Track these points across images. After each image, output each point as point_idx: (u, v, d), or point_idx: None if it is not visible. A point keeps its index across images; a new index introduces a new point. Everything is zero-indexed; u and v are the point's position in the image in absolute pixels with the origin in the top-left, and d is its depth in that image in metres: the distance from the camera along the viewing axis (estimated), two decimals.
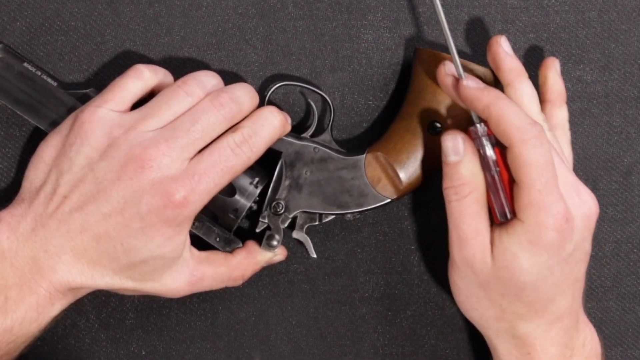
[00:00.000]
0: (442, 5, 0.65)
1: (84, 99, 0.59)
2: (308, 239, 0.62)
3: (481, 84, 0.56)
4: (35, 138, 0.61)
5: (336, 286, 0.64)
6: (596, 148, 0.66)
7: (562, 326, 0.57)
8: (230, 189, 0.59)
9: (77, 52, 0.64)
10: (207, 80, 0.57)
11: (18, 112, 0.59)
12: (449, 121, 0.59)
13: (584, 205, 0.56)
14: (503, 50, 0.58)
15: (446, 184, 0.57)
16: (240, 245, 0.60)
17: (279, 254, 0.62)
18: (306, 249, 0.63)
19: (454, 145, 0.56)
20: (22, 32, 0.63)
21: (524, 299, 0.56)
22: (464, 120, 0.59)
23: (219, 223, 0.60)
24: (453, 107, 0.59)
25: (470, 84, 0.55)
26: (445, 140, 0.57)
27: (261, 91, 0.61)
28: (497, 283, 0.56)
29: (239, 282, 0.60)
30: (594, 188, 0.65)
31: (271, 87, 0.61)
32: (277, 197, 0.60)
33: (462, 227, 0.56)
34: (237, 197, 0.59)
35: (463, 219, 0.56)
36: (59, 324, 0.63)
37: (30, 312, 0.53)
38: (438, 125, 0.59)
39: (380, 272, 0.65)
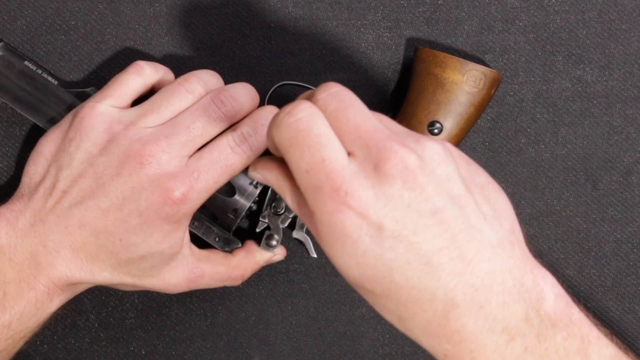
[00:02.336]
0: (443, 5, 0.65)
1: (84, 98, 0.59)
2: (308, 238, 0.62)
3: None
4: (35, 137, 0.61)
5: (336, 286, 0.64)
6: (596, 148, 0.66)
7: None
8: (229, 189, 0.59)
9: (77, 52, 0.64)
10: (208, 78, 0.57)
11: (18, 110, 0.59)
12: (449, 121, 0.59)
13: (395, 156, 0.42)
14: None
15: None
16: (240, 245, 0.60)
17: (278, 253, 0.62)
18: (306, 249, 0.63)
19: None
20: (22, 31, 0.63)
21: (399, 300, 0.43)
22: (463, 120, 0.60)
23: (219, 223, 0.60)
24: (453, 107, 0.59)
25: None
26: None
27: (261, 91, 0.61)
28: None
29: (238, 282, 0.60)
30: (594, 188, 0.65)
31: (271, 87, 0.61)
32: (277, 196, 0.61)
33: None
34: (236, 197, 0.59)
35: None
36: (59, 324, 0.63)
37: (29, 308, 0.53)
38: (438, 125, 0.59)
39: None
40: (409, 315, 0.43)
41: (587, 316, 0.45)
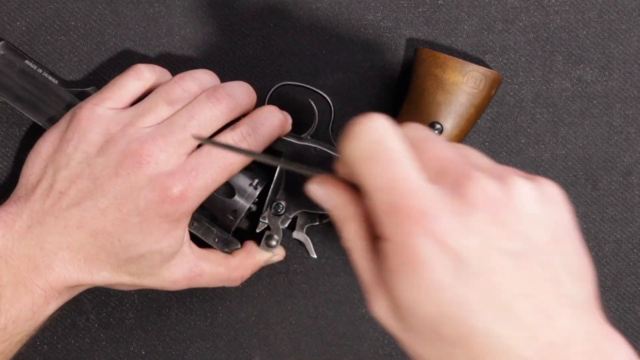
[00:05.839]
0: (443, 5, 0.65)
1: (84, 97, 0.59)
2: (308, 239, 0.62)
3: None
4: (35, 137, 0.61)
5: (336, 286, 0.64)
6: (596, 148, 0.66)
7: None
8: (229, 190, 0.59)
9: (77, 52, 0.64)
10: (204, 77, 0.57)
11: (18, 109, 0.59)
12: (449, 122, 0.59)
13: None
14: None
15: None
16: (239, 246, 0.60)
17: (277, 254, 0.62)
18: (306, 249, 0.63)
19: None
20: (22, 31, 0.63)
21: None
22: (464, 120, 0.60)
23: (218, 224, 0.60)
24: (453, 107, 0.59)
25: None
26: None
27: (261, 91, 0.61)
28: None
29: (237, 283, 0.60)
30: (594, 188, 0.65)
31: (271, 87, 0.61)
32: (277, 197, 0.60)
33: None
34: (236, 198, 0.59)
35: None
36: (59, 324, 0.63)
37: (25, 311, 0.52)
38: (438, 125, 0.59)
39: None
40: None
41: None
